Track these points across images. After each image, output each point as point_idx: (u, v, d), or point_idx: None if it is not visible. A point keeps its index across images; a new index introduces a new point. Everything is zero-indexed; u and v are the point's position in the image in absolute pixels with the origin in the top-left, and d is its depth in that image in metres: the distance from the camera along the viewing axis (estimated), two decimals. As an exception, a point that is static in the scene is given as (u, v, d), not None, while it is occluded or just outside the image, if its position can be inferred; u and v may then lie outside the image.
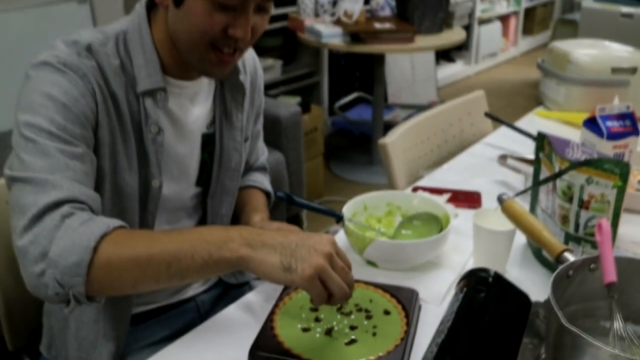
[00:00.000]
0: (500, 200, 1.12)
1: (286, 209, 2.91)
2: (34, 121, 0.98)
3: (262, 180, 1.49)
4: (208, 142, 1.28)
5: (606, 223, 0.95)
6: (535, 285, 1.15)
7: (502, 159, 1.67)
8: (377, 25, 3.36)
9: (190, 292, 1.36)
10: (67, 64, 1.03)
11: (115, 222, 0.95)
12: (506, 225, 1.19)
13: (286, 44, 4.18)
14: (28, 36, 3.02)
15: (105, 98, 1.07)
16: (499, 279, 1.07)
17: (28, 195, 0.94)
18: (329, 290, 0.91)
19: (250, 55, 1.37)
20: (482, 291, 1.03)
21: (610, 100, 1.58)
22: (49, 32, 3.08)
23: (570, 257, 0.95)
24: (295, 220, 3.16)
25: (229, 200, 1.35)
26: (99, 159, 1.08)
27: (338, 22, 3.46)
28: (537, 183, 1.20)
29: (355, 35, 3.29)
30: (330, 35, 3.34)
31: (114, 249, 0.91)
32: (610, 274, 0.90)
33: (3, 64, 2.89)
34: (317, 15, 3.67)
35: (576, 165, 1.11)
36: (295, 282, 0.90)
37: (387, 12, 3.68)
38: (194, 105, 1.23)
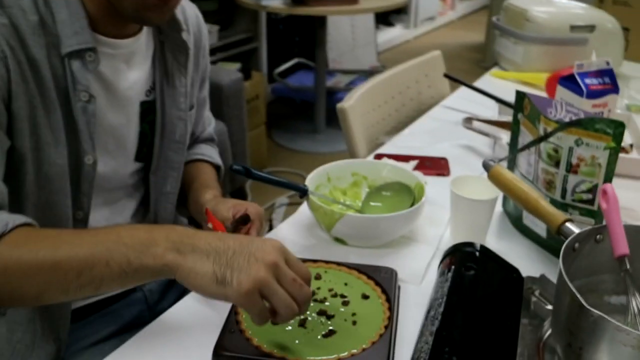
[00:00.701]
0: (486, 166, 1.01)
1: (229, 181, 2.77)
2: None
3: (211, 153, 1.34)
4: (148, 111, 1.12)
5: (611, 188, 0.85)
6: (520, 258, 1.05)
7: (467, 121, 1.57)
8: (319, -14, 3.22)
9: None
10: None
11: (17, 218, 0.81)
12: (486, 193, 1.09)
13: (222, 8, 3.98)
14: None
15: (19, 62, 0.89)
16: (486, 253, 0.97)
17: None
18: (272, 307, 0.76)
19: (193, 12, 1.21)
20: (472, 268, 0.92)
21: (570, 59, 1.50)
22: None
23: (574, 229, 0.84)
24: (239, 193, 3.02)
25: (174, 176, 1.20)
26: (16, 135, 0.91)
27: (277, -17, 3.30)
28: (525, 146, 1.09)
29: (296, -4, 3.14)
30: (270, -4, 3.18)
31: (11, 253, 0.77)
32: (622, 246, 0.80)
33: None
34: (254, -23, 3.49)
35: (565, 126, 1.01)
36: (230, 298, 0.75)
37: (327, -27, 3.53)
38: (130, 68, 1.06)
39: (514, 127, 1.18)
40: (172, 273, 0.77)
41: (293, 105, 4.31)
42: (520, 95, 1.15)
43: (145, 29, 1.07)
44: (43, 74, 0.93)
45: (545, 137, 1.04)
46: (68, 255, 0.77)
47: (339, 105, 1.55)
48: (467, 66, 5.18)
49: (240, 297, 0.74)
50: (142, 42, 1.07)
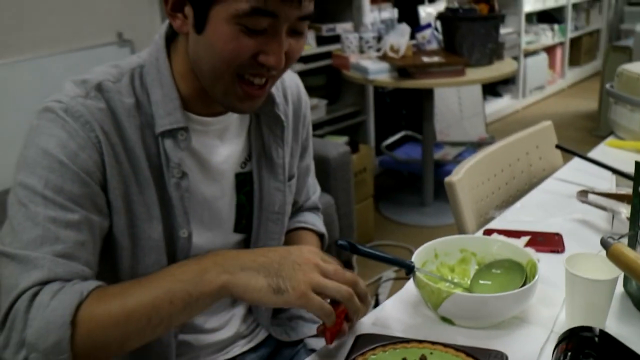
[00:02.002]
0: (605, 244, 0.94)
1: (337, 254, 2.76)
2: (28, 182, 0.90)
3: (314, 221, 1.34)
4: (244, 183, 1.14)
5: None
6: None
7: (582, 194, 1.49)
8: (425, 59, 3.23)
9: (236, 349, 1.21)
10: (69, 111, 0.92)
11: (90, 284, 0.88)
12: (605, 272, 1.02)
13: (330, 82, 4.08)
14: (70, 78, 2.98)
15: (113, 145, 0.95)
16: (607, 338, 0.90)
17: (11, 274, 0.87)
18: (330, 297, 0.89)
19: (293, 81, 1.23)
20: (590, 356, 0.86)
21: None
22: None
23: None
24: (346, 266, 3.00)
25: (274, 247, 1.20)
26: (114, 213, 0.97)
27: (384, 57, 3.34)
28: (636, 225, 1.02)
29: (403, 70, 3.16)
30: (377, 71, 3.22)
31: (91, 316, 0.85)
32: None
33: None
34: (362, 51, 3.56)
35: (691, 200, 0.94)
36: (291, 303, 0.87)
37: (434, 45, 3.55)
38: (223, 142, 1.09)
39: (634, 201, 1.11)
40: (228, 292, 0.87)
41: (400, 178, 4.30)
42: (638, 165, 1.08)
43: None
44: (137, 153, 0.98)
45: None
46: (135, 304, 0.86)
47: (447, 179, 1.52)
48: (579, 135, 5.02)
49: (299, 300, 0.86)
50: (236, 117, 1.10)
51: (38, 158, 0.90)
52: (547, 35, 6.23)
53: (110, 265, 1.01)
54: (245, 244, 1.19)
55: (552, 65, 6.51)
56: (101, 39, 3.26)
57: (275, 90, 1.12)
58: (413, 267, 1.08)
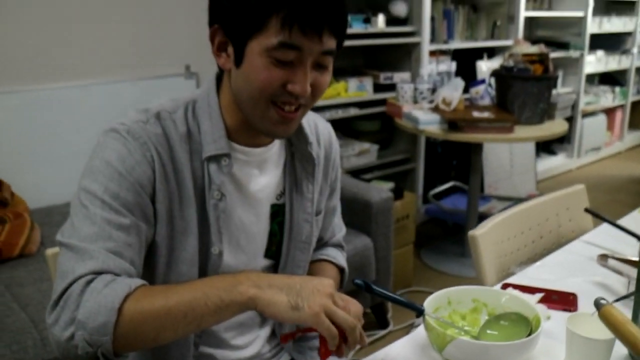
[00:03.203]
0: (597, 305, 1.02)
1: (371, 296, 2.83)
2: (90, 187, 1.05)
3: (336, 255, 1.45)
4: (277, 213, 1.27)
5: None
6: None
7: (602, 258, 1.55)
8: (476, 114, 3.31)
9: None
10: (131, 132, 1.08)
11: (137, 281, 1.00)
12: (605, 333, 1.08)
13: (383, 128, 4.19)
14: (136, 105, 3.16)
15: (164, 165, 1.10)
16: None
17: (68, 262, 1.00)
18: (337, 324, 0.98)
19: (326, 129, 1.37)
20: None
21: None
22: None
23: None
24: (380, 308, 3.07)
25: (299, 273, 1.32)
26: (157, 223, 1.11)
27: (436, 109, 3.43)
28: (640, 289, 1.09)
29: (452, 123, 3.24)
30: (428, 122, 3.31)
31: (135, 307, 0.96)
32: None
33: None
34: (415, 101, 3.66)
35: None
36: (304, 319, 0.97)
37: (486, 101, 3.62)
38: (262, 173, 1.23)
39: None
40: (254, 305, 0.98)
41: (445, 227, 4.35)
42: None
43: (277, 141, 1.24)
44: (184, 174, 1.13)
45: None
46: (176, 301, 0.97)
47: (470, 233, 1.60)
48: (630, 200, 4.98)
49: (312, 317, 0.97)
50: (274, 152, 1.24)
51: (101, 167, 1.06)
52: (607, 97, 6.22)
53: (148, 268, 1.14)
54: (274, 269, 1.31)
55: (610, 127, 6.48)
56: (170, 70, 3.45)
57: (309, 132, 1.27)
58: (423, 311, 1.17)
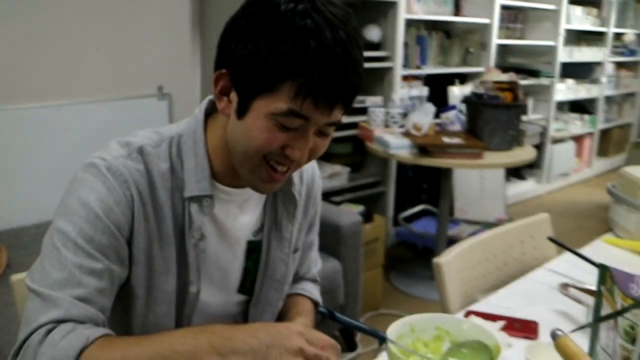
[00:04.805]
0: (553, 336, 1.04)
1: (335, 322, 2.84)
2: (64, 228, 1.01)
3: (312, 290, 1.44)
4: (253, 250, 1.25)
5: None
6: None
7: (564, 287, 1.59)
8: (446, 140, 3.35)
9: None
10: (111, 169, 1.04)
11: (97, 331, 0.95)
12: (562, 362, 1.11)
13: (355, 151, 4.21)
14: (110, 125, 3.18)
15: (145, 204, 1.07)
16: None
17: (34, 309, 0.96)
18: None
19: (310, 166, 1.35)
20: None
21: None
22: (129, 123, 3.24)
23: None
24: (348, 331, 3.07)
25: (270, 311, 1.31)
26: (133, 264, 1.08)
27: (407, 134, 3.47)
28: (596, 320, 1.12)
29: (423, 148, 3.28)
30: (398, 146, 3.34)
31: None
32: None
33: (87, 149, 3.02)
34: (387, 126, 3.70)
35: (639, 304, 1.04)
36: None
37: (457, 126, 3.67)
38: (242, 212, 1.21)
39: (597, 299, 1.20)
40: None
41: (415, 250, 4.37)
42: (603, 267, 1.18)
43: None
44: (164, 212, 1.10)
45: (619, 312, 1.06)
46: (136, 355, 0.92)
47: (434, 260, 1.62)
48: (598, 226, 5.05)
49: None
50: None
51: (77, 208, 1.01)
52: (576, 125, 6.34)
53: (124, 310, 1.11)
54: (246, 304, 1.29)
55: (579, 154, 6.59)
56: (142, 91, 3.45)
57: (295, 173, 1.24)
58: (385, 338, 1.18)
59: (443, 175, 3.72)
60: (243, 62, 1.00)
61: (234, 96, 1.04)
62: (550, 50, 5.67)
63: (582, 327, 1.21)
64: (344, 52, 0.97)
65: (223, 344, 0.93)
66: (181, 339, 0.95)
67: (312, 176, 1.36)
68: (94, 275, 1.00)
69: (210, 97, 1.16)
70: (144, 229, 1.07)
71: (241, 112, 1.03)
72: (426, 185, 4.65)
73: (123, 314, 1.10)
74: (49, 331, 0.93)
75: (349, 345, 3.12)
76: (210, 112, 1.16)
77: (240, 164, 1.09)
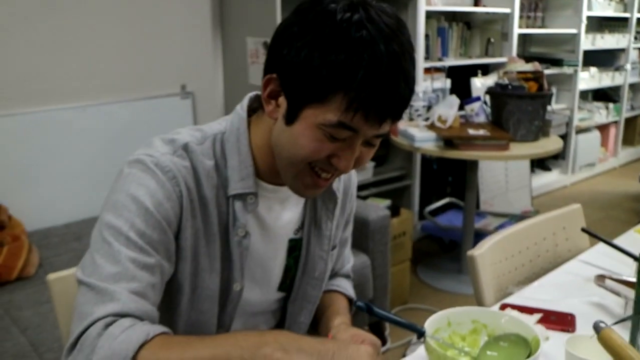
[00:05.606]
0: (596, 328, 1.03)
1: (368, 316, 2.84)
2: (115, 223, 1.00)
3: (346, 286, 1.45)
4: (294, 248, 1.26)
5: None
6: None
7: (600, 279, 1.56)
8: (471, 132, 3.33)
9: None
10: (159, 164, 1.04)
11: (157, 328, 0.94)
12: (603, 355, 1.09)
13: (380, 145, 4.17)
14: (134, 125, 3.20)
15: (192, 200, 1.07)
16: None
17: (88, 302, 0.95)
18: None
19: None
20: None
21: None
22: (153, 123, 3.27)
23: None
24: (377, 325, 3.07)
25: (308, 308, 1.32)
26: (180, 261, 1.08)
27: (432, 126, 3.45)
28: (638, 311, 1.10)
29: (448, 140, 3.26)
30: (423, 139, 3.33)
31: (151, 358, 0.90)
32: None
33: (111, 149, 3.07)
34: (411, 119, 3.69)
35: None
36: None
37: (482, 118, 3.65)
38: (284, 209, 1.21)
39: (637, 290, 1.18)
40: None
41: (441, 244, 4.36)
42: (642, 259, 1.16)
43: None
44: (210, 210, 1.10)
45: (662, 304, 1.05)
46: (194, 356, 0.90)
47: (469, 253, 1.61)
48: (625, 216, 5.00)
49: None
50: None
51: (127, 202, 1.01)
52: (600, 114, 6.26)
53: (168, 308, 1.12)
54: (284, 301, 1.30)
55: (604, 143, 6.52)
56: (165, 90, 3.47)
57: None
58: (423, 332, 1.17)
59: (468, 168, 3.69)
60: (295, 69, 0.99)
61: (282, 101, 1.04)
62: (573, 38, 5.60)
63: (623, 320, 1.19)
64: (397, 66, 0.96)
65: (289, 342, 0.92)
66: (246, 335, 0.95)
67: (349, 175, 1.36)
68: (147, 269, 1.00)
69: (252, 94, 1.16)
70: (191, 226, 1.08)
71: (290, 119, 1.02)
72: (451, 178, 4.63)
73: (166, 312, 1.10)
74: (108, 325, 0.92)
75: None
76: (253, 109, 1.16)
77: (284, 169, 1.08)
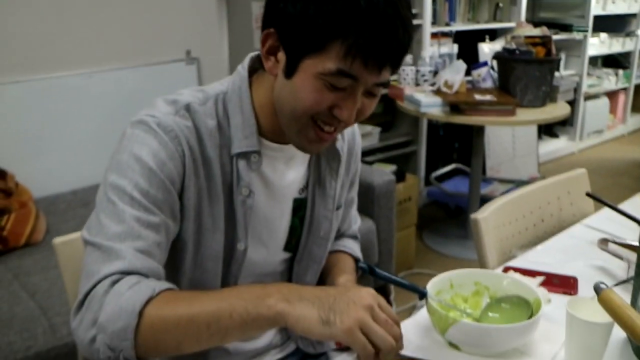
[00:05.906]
0: (597, 289, 1.03)
1: (373, 279, 2.86)
2: (119, 183, 1.01)
3: (353, 247, 1.46)
4: (299, 208, 1.26)
5: None
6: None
7: (603, 243, 1.57)
8: (478, 97, 3.31)
9: (267, 358, 1.32)
10: (161, 125, 1.04)
11: (163, 284, 0.96)
12: (604, 317, 1.10)
13: (386, 111, 4.19)
14: (139, 91, 3.20)
15: (195, 159, 1.08)
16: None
17: (94, 262, 0.97)
18: (372, 343, 0.90)
19: None
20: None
21: None
22: (159, 89, 3.25)
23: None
24: (383, 290, 3.09)
25: (314, 268, 1.32)
26: (184, 220, 1.09)
27: (438, 92, 3.43)
28: (638, 274, 1.10)
29: (454, 105, 3.25)
30: (429, 104, 3.31)
31: (157, 312, 0.92)
32: None
33: (118, 116, 3.08)
34: (417, 84, 3.67)
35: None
36: (335, 336, 0.90)
37: (488, 83, 3.62)
38: (289, 168, 1.21)
39: (639, 254, 1.19)
40: (283, 320, 0.91)
41: (447, 210, 4.36)
42: (646, 222, 1.16)
43: None
44: (214, 170, 1.10)
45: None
46: (199, 310, 0.93)
47: (472, 216, 1.61)
48: (633, 183, 4.99)
49: (344, 333, 0.89)
50: None
51: (130, 162, 1.02)
52: (610, 80, 6.21)
53: (172, 267, 1.12)
54: (290, 261, 1.31)
55: (613, 110, 6.47)
56: (170, 56, 3.45)
57: None
58: (425, 293, 1.18)
59: (475, 133, 3.68)
60: (292, 21, 0.99)
61: (281, 56, 1.04)
62: (582, 3, 5.52)
63: (624, 282, 1.20)
64: (394, 11, 0.96)
65: (291, 292, 0.93)
66: (249, 288, 0.98)
67: (353, 133, 1.35)
68: (152, 228, 1.01)
69: (253, 54, 1.16)
70: (194, 185, 1.08)
71: (289, 72, 1.02)
72: (457, 144, 4.62)
73: (170, 271, 1.11)
74: (114, 282, 0.94)
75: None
76: (255, 69, 1.16)
77: (287, 125, 1.08)
